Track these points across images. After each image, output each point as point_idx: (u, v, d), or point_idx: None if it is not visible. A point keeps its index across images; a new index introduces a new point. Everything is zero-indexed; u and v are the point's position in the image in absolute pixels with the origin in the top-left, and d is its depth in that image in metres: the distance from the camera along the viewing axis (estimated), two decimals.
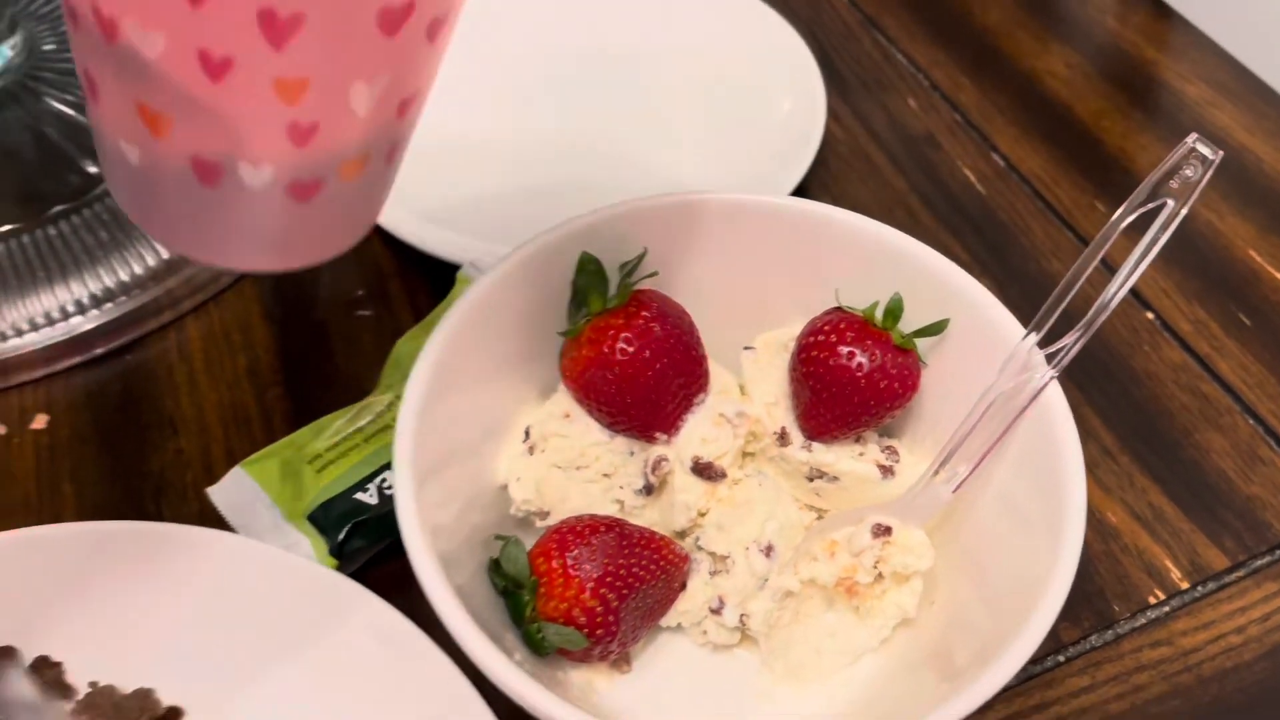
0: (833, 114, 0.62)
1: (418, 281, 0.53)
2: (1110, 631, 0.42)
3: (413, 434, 0.35)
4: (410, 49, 0.29)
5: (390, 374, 0.47)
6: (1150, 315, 0.53)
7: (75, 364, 0.50)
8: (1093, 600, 0.43)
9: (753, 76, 0.61)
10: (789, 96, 0.59)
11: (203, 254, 0.33)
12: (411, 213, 0.53)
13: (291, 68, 0.27)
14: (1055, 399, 0.36)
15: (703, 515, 0.40)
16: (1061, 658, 0.42)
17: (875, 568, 0.38)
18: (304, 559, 0.40)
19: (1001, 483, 0.38)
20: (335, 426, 0.45)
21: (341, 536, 0.42)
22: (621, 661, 0.39)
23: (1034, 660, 0.41)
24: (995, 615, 0.36)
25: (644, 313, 0.39)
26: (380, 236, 0.54)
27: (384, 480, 0.43)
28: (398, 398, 0.42)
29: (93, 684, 0.38)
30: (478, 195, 0.57)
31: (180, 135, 0.29)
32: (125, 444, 0.48)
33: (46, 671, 0.38)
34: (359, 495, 0.43)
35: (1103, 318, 0.35)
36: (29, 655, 0.39)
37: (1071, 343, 0.35)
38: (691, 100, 0.62)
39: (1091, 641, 0.42)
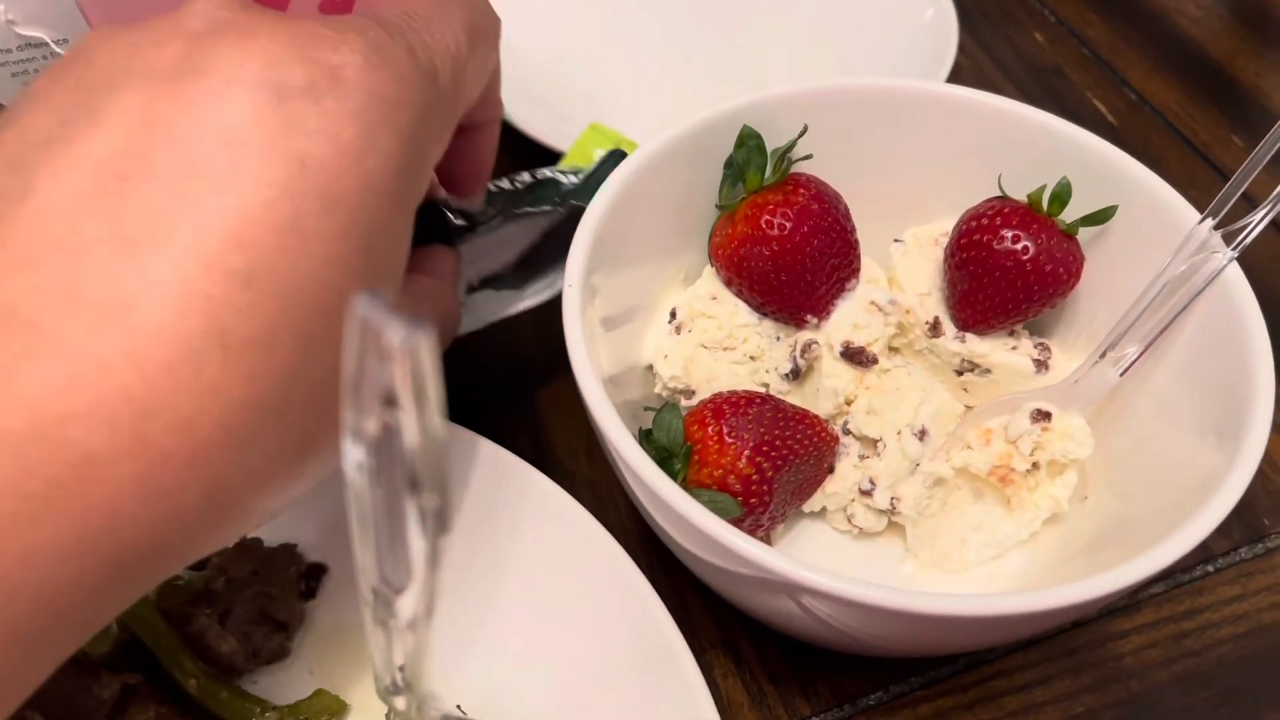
0: (958, 45, 0.61)
1: None
2: (1261, 544, 0.41)
3: (579, 295, 0.35)
4: None
5: None
6: None
7: None
8: (1242, 513, 0.42)
9: None
10: (929, 6, 0.58)
11: None
12: (538, 108, 0.53)
13: None
14: (1237, 281, 0.35)
15: (849, 403, 0.40)
16: (1211, 567, 0.41)
17: (1031, 455, 0.37)
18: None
19: (1165, 379, 0.37)
20: None
21: None
22: (764, 542, 0.39)
23: (1183, 569, 0.41)
24: (1149, 515, 0.35)
25: (802, 191, 0.38)
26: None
27: None
28: None
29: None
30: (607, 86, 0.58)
31: None
32: None
33: None
34: None
35: None
36: None
37: (1256, 221, 0.34)
38: (827, 14, 0.62)
39: (1242, 554, 0.41)
